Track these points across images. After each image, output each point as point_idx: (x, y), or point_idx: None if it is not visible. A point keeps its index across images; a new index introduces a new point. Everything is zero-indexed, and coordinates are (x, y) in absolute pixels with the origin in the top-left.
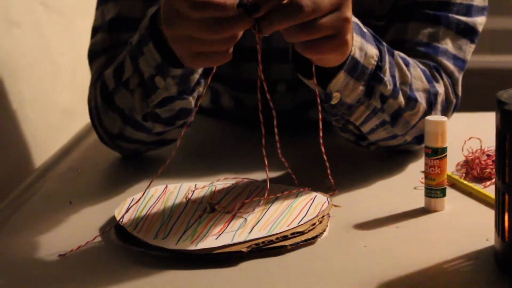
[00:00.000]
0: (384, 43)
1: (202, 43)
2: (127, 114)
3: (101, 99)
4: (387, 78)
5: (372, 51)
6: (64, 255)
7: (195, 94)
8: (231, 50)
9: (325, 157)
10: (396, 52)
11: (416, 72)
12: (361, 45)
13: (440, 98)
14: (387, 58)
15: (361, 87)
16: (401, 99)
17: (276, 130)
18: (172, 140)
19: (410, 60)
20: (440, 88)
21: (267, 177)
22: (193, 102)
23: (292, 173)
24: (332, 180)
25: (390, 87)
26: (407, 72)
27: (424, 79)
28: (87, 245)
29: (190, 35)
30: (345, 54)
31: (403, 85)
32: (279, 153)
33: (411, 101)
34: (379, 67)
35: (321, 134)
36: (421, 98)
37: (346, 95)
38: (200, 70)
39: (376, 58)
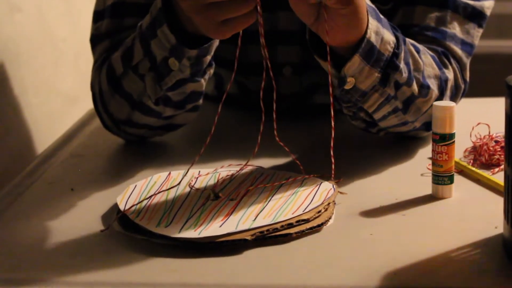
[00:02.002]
0: (399, 30)
1: (227, 8)
2: (135, 99)
3: (107, 84)
4: (402, 65)
5: (389, 37)
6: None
7: (206, 76)
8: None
9: (331, 144)
10: (407, 39)
11: (427, 59)
12: (378, 29)
13: (450, 84)
14: (402, 46)
15: (376, 74)
16: (414, 86)
17: (274, 116)
18: (180, 125)
19: (420, 46)
20: (449, 74)
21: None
22: (204, 85)
23: (295, 158)
24: (332, 172)
25: (405, 75)
26: (419, 59)
27: (434, 66)
28: (88, 232)
29: (213, 2)
30: (355, 15)
31: (416, 72)
32: (276, 135)
33: (424, 88)
34: (396, 54)
35: (332, 113)
36: (433, 85)
37: (361, 81)
38: (213, 52)
39: (392, 45)
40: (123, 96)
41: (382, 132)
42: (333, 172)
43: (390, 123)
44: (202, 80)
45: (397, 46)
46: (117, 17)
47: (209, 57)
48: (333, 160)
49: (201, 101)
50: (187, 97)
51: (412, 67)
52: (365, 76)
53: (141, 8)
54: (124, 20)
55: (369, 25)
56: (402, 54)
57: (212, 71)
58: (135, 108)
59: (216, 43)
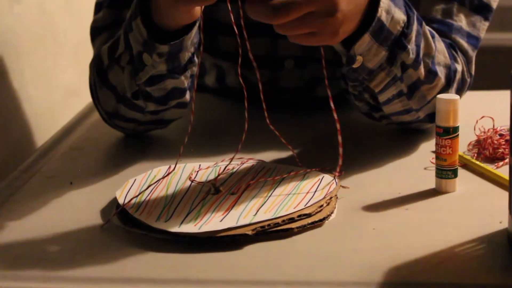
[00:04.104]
0: (414, 11)
1: None
2: (119, 92)
3: (96, 75)
4: (411, 46)
5: (400, 16)
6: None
7: (188, 74)
8: None
9: (339, 139)
10: (424, 23)
11: (440, 45)
12: (389, 8)
13: (458, 76)
14: (414, 26)
15: (383, 52)
16: (421, 70)
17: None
18: (170, 121)
19: (435, 33)
20: (458, 66)
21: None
22: (186, 82)
23: (291, 148)
24: (340, 164)
25: (412, 56)
26: (433, 44)
27: (446, 55)
28: (87, 227)
29: None
30: (336, 41)
31: (426, 56)
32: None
33: (431, 74)
34: (404, 34)
35: (333, 106)
36: (441, 73)
37: (368, 59)
38: (192, 49)
39: (402, 24)
40: (109, 88)
41: (384, 120)
42: (339, 166)
43: (394, 109)
44: (182, 77)
45: (407, 25)
46: (116, 8)
47: (187, 54)
48: (341, 151)
49: (187, 97)
50: (169, 93)
51: (423, 51)
52: (373, 54)
53: None
54: (122, 12)
55: (381, 3)
56: (413, 35)
57: (195, 69)
58: (120, 101)
59: (190, 40)
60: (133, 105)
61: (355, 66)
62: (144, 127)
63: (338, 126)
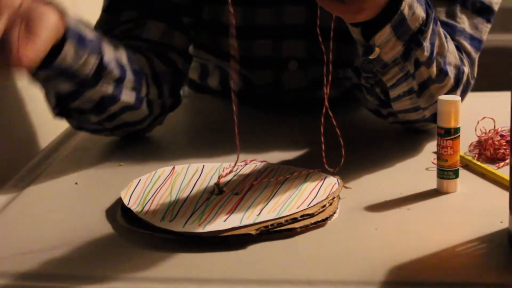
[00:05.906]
0: (433, 9)
1: None
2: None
3: None
4: (426, 44)
5: (420, 13)
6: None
7: (109, 80)
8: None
9: (322, 139)
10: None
11: (451, 46)
12: (412, 3)
13: (465, 77)
14: (431, 24)
15: (400, 47)
16: (433, 69)
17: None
18: (136, 122)
19: (446, 33)
20: (465, 68)
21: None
22: (110, 88)
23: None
24: (326, 163)
25: (426, 54)
26: (445, 44)
27: (457, 56)
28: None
29: None
30: (356, 19)
31: (439, 56)
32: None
33: (442, 73)
34: (422, 31)
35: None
36: (452, 73)
37: (385, 52)
38: (92, 62)
39: (421, 21)
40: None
41: (391, 118)
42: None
43: (403, 106)
44: (103, 85)
45: (425, 23)
46: (112, 12)
47: (88, 67)
48: (323, 152)
49: (126, 100)
50: (99, 102)
51: (436, 50)
52: (390, 47)
53: (136, 1)
54: (120, 15)
55: None
56: (429, 33)
57: (116, 72)
58: (77, 123)
59: (65, 62)
60: (83, 121)
61: (371, 57)
62: (133, 129)
63: (322, 129)
